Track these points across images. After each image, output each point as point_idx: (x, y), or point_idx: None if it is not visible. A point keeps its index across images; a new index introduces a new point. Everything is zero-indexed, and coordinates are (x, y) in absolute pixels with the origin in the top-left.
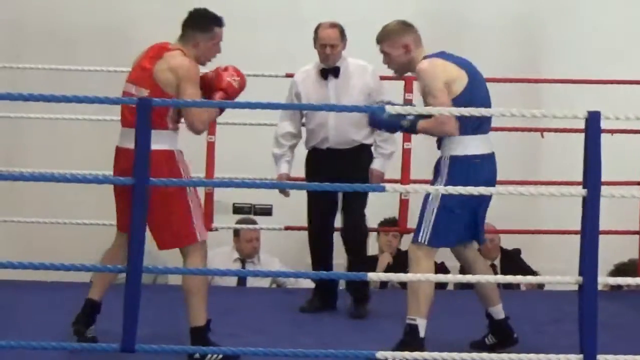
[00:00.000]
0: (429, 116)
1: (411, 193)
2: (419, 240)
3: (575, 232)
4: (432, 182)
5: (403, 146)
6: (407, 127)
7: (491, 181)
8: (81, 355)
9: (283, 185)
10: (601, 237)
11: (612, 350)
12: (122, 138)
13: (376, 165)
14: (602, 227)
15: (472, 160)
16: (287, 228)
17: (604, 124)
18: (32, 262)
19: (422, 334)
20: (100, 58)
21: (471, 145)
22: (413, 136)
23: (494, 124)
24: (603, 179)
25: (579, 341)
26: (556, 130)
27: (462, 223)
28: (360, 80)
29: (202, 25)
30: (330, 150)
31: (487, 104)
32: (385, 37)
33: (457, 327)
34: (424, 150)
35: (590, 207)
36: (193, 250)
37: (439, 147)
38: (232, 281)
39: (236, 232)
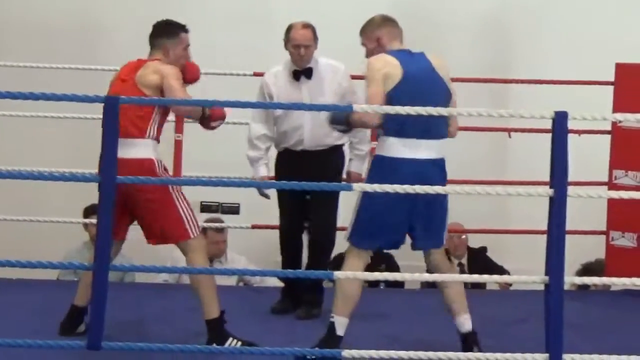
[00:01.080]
0: None
1: None
2: (347, 240)
3: (542, 232)
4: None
5: (370, 146)
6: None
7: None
8: (47, 353)
9: (251, 184)
10: (568, 237)
11: (578, 350)
12: None
13: (353, 167)
14: (569, 227)
15: (390, 162)
16: (254, 227)
17: (571, 124)
18: None
19: (340, 332)
20: (78, 57)
21: (394, 147)
22: None
23: (461, 124)
24: (570, 179)
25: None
26: (524, 131)
27: (387, 225)
28: (333, 81)
29: (168, 32)
30: (305, 152)
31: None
32: (363, 29)
33: (424, 326)
34: None
35: (557, 207)
36: (190, 246)
37: None
38: None
39: (203, 231)
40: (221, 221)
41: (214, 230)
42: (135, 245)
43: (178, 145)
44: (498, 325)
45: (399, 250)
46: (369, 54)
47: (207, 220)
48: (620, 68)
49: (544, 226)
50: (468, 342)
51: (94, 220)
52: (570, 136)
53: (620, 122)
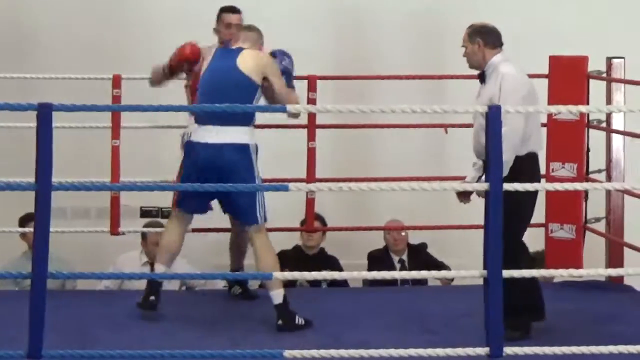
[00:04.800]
0: None
1: (317, 192)
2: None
3: (481, 227)
4: None
5: (308, 145)
6: None
7: (202, 167)
8: None
9: (192, 188)
10: None
11: (518, 343)
12: None
13: None
14: None
15: (190, 145)
16: (194, 230)
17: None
18: None
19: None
20: (7, 64)
21: (195, 132)
22: (318, 136)
23: (398, 121)
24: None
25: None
26: (460, 126)
27: (189, 193)
28: (491, 85)
29: (217, 15)
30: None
31: (207, 96)
32: None
33: (366, 324)
34: (328, 149)
35: (493, 201)
36: None
37: None
38: (142, 285)
39: (144, 236)
40: (161, 225)
41: (154, 234)
42: (77, 252)
43: (115, 150)
44: (440, 321)
45: (342, 250)
46: None
47: (147, 225)
48: (554, 61)
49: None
50: (278, 316)
51: (31, 229)
52: None
53: (555, 114)
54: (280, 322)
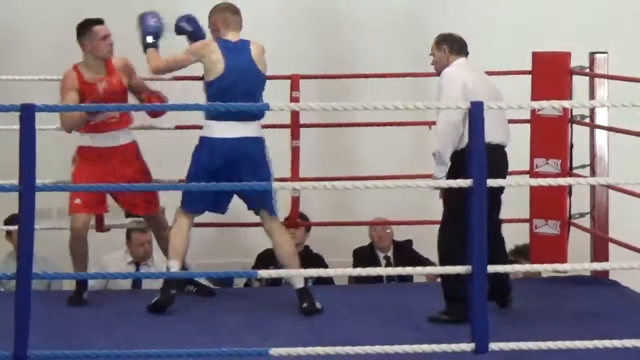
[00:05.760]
0: None
1: (301, 190)
2: (181, 204)
3: None
4: None
5: (292, 144)
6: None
7: (228, 159)
8: None
9: (176, 188)
10: None
11: (503, 338)
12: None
13: None
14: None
15: (209, 141)
16: None
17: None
18: None
19: (174, 269)
20: None
21: (213, 129)
22: (302, 135)
23: (385, 119)
24: None
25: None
26: None
27: (204, 192)
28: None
29: (81, 31)
30: None
31: (246, 96)
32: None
33: (351, 322)
34: (313, 148)
35: (477, 198)
36: None
37: None
38: (127, 284)
39: (128, 236)
40: (145, 224)
41: (138, 232)
42: (62, 252)
43: None
44: (426, 317)
45: (327, 248)
46: (212, 38)
47: (131, 224)
48: (536, 57)
49: None
50: (300, 299)
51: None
52: None
53: (538, 110)
54: (305, 305)
